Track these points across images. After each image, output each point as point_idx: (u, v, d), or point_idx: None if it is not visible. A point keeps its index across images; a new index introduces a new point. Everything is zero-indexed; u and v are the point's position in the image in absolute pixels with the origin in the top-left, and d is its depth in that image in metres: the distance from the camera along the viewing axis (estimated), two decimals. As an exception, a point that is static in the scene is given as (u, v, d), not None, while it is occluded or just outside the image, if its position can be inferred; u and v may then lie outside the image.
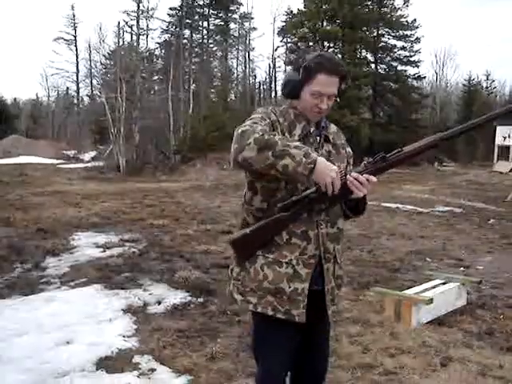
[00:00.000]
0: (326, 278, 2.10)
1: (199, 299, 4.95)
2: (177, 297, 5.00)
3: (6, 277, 5.68)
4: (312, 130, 2.10)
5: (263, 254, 2.03)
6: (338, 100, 2.10)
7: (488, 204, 13.80)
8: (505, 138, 28.61)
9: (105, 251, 7.02)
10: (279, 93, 43.08)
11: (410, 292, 4.60)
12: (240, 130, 1.86)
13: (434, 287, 4.76)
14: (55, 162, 31.10)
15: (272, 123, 2.02)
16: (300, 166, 1.79)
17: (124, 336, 4.01)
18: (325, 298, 2.10)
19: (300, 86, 2.05)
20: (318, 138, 2.12)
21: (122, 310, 4.61)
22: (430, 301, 4.29)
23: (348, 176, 1.92)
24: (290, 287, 2.01)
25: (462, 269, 6.49)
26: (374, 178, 1.95)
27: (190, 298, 4.99)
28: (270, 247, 2.02)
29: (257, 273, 2.03)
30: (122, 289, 5.25)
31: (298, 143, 1.85)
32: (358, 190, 1.93)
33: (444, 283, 4.88)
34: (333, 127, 2.24)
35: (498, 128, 28.58)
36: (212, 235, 8.24)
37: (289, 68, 40.88)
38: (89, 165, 26.99)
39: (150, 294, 5.08)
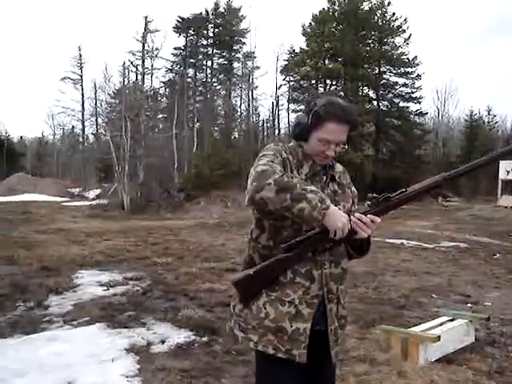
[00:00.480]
0: (330, 318, 2.08)
1: (203, 338, 4.88)
2: (180, 336, 4.94)
3: (9, 315, 5.63)
4: (319, 169, 2.11)
5: (266, 292, 2.02)
6: (347, 147, 2.11)
7: (493, 238, 13.72)
8: (508, 172, 28.64)
9: (108, 289, 6.97)
10: (282, 131, 43.57)
11: (416, 329, 4.53)
12: (260, 169, 1.86)
13: (441, 324, 4.69)
14: (60, 199, 31.23)
15: (283, 160, 2.02)
16: (315, 211, 1.81)
17: (127, 376, 3.94)
18: (328, 338, 2.08)
19: (308, 131, 2.06)
20: (325, 177, 2.13)
21: (125, 349, 4.55)
22: (438, 338, 4.22)
23: (352, 217, 1.93)
24: (291, 326, 1.99)
25: (469, 305, 6.41)
26: (377, 219, 1.97)
27: (193, 337, 4.93)
28: (274, 285, 2.01)
29: (259, 310, 2.02)
30: (126, 328, 5.19)
31: (313, 188, 1.86)
32: (362, 231, 1.94)
33: (451, 320, 4.81)
34: (339, 167, 2.24)
35: (501, 162, 28.58)
36: (216, 273, 8.18)
37: (292, 106, 41.38)
38: (93, 202, 27.06)
39: (154, 333, 5.02)
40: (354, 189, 2.27)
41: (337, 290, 2.10)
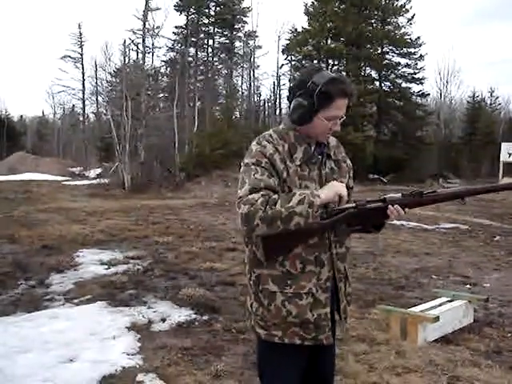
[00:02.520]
0: (341, 297, 2.12)
1: (204, 317, 4.92)
2: (181, 314, 4.98)
3: (11, 293, 5.68)
4: (313, 151, 2.08)
5: (281, 291, 2.00)
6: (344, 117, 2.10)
7: (494, 221, 13.72)
8: (510, 154, 28.52)
9: (109, 268, 7.00)
10: (284, 110, 43.34)
11: (415, 310, 4.56)
12: (243, 213, 1.87)
13: (440, 305, 4.72)
14: (60, 178, 31.19)
15: (269, 161, 1.98)
16: (310, 218, 1.89)
17: (128, 354, 3.98)
18: (334, 316, 2.12)
19: (314, 112, 2.01)
20: (320, 156, 2.11)
21: (126, 327, 4.59)
22: (437, 319, 4.25)
23: (390, 206, 2.03)
24: (313, 315, 2.01)
25: (468, 286, 6.44)
26: (402, 212, 2.06)
27: (194, 315, 4.96)
28: (285, 280, 2.00)
29: (279, 310, 2.01)
30: (127, 306, 5.23)
31: (298, 196, 1.89)
32: (394, 218, 2.07)
33: (450, 301, 4.84)
34: (332, 140, 2.22)
35: (503, 145, 28.51)
36: (217, 252, 8.21)
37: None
38: (94, 182, 27.01)
39: (155, 312, 5.06)
40: (349, 162, 2.27)
41: (344, 269, 2.14)
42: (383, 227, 2.21)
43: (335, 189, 1.98)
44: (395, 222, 12.46)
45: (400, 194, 2.09)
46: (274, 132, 2.08)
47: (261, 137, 2.06)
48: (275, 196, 1.90)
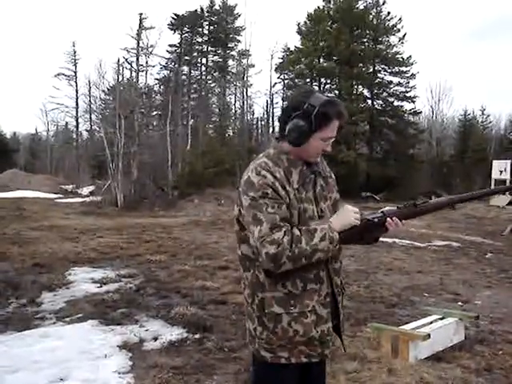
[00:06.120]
0: (340, 310, 2.18)
1: (196, 336, 4.91)
2: (173, 333, 4.96)
3: (1, 312, 5.64)
4: (309, 173, 2.10)
5: (287, 312, 2.01)
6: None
7: (485, 238, 13.78)
8: (501, 172, 28.72)
9: (101, 286, 6.98)
10: (277, 129, 43.49)
11: (407, 327, 4.58)
12: (271, 253, 1.88)
13: (431, 322, 4.73)
14: (53, 196, 31.07)
15: (273, 190, 1.97)
16: (330, 252, 1.98)
17: (119, 373, 3.97)
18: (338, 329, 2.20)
19: (310, 133, 2.01)
20: (313, 175, 2.12)
21: (118, 346, 4.57)
22: (428, 336, 4.26)
23: (389, 218, 2.09)
24: (317, 332, 2.05)
25: (459, 304, 6.46)
26: (400, 224, 2.12)
27: (186, 334, 4.95)
28: (289, 301, 2.01)
29: (285, 331, 2.02)
30: (118, 325, 5.21)
31: (319, 232, 1.94)
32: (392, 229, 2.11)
33: (441, 318, 4.86)
34: None
35: (495, 162, 28.74)
36: (209, 271, 8.19)
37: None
38: (87, 199, 26.91)
39: (147, 330, 5.04)
40: (332, 175, 2.30)
41: (340, 283, 2.19)
42: (378, 240, 2.24)
43: (349, 220, 2.02)
44: (388, 239, 12.53)
45: (396, 207, 2.16)
46: (267, 159, 2.06)
47: (257, 166, 2.03)
48: (298, 233, 1.93)
